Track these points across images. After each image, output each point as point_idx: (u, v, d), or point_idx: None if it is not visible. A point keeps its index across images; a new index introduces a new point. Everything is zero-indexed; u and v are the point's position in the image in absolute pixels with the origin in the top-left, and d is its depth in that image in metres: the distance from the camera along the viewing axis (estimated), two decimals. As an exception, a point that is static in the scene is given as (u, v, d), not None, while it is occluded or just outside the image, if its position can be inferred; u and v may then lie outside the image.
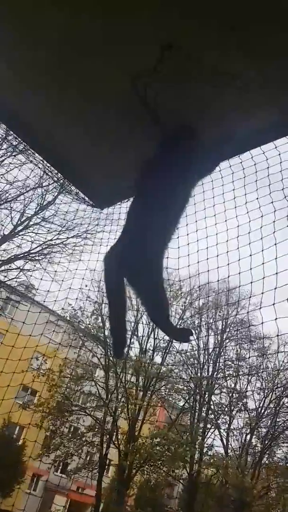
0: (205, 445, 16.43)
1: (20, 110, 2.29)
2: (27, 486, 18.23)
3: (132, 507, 17.48)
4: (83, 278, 4.58)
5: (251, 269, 2.41)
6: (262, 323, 2.24)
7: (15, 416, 14.92)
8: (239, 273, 2.53)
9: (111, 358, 15.12)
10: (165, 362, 16.69)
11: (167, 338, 17.19)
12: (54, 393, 14.51)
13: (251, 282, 2.39)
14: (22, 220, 11.22)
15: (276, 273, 2.33)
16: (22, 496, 17.36)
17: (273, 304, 2.28)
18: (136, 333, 16.72)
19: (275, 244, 2.35)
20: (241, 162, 2.63)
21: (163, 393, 16.52)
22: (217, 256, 2.67)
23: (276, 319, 2.28)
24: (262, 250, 2.49)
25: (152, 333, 17.15)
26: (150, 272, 1.20)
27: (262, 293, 2.33)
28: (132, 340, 16.77)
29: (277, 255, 2.28)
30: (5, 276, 11.15)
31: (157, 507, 18.56)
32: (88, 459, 15.84)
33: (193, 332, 12.41)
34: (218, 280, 2.72)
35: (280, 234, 2.50)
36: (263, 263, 2.35)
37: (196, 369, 17.17)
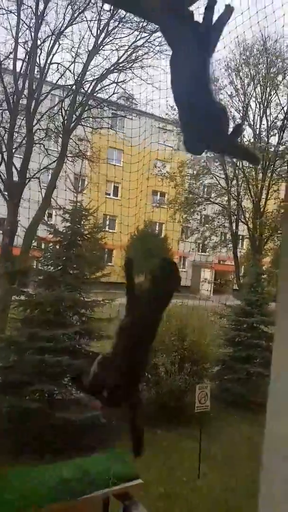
0: None
1: None
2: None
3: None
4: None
5: None
6: None
7: (153, 216, 17.72)
8: None
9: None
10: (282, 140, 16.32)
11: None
12: (180, 190, 16.27)
13: None
14: (101, 29, 10.76)
15: None
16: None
17: None
18: (247, 118, 16.28)
19: None
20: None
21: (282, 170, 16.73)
22: None
23: None
24: None
25: (264, 114, 16.42)
26: (215, 115, 1.27)
27: None
28: (244, 127, 16.53)
29: None
30: (106, 93, 11.54)
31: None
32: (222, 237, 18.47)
33: None
34: None
35: None
36: None
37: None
